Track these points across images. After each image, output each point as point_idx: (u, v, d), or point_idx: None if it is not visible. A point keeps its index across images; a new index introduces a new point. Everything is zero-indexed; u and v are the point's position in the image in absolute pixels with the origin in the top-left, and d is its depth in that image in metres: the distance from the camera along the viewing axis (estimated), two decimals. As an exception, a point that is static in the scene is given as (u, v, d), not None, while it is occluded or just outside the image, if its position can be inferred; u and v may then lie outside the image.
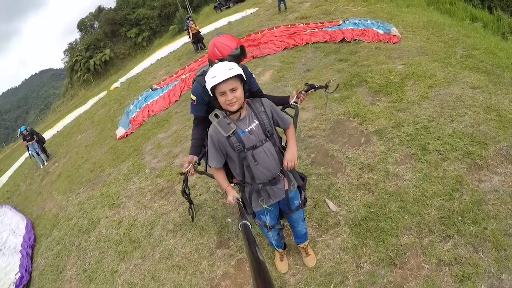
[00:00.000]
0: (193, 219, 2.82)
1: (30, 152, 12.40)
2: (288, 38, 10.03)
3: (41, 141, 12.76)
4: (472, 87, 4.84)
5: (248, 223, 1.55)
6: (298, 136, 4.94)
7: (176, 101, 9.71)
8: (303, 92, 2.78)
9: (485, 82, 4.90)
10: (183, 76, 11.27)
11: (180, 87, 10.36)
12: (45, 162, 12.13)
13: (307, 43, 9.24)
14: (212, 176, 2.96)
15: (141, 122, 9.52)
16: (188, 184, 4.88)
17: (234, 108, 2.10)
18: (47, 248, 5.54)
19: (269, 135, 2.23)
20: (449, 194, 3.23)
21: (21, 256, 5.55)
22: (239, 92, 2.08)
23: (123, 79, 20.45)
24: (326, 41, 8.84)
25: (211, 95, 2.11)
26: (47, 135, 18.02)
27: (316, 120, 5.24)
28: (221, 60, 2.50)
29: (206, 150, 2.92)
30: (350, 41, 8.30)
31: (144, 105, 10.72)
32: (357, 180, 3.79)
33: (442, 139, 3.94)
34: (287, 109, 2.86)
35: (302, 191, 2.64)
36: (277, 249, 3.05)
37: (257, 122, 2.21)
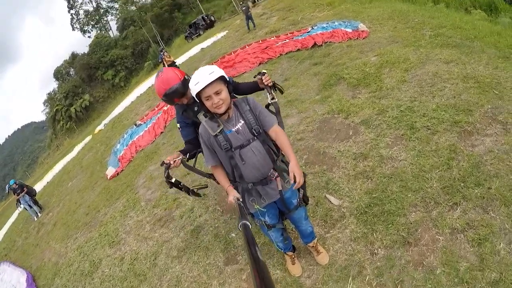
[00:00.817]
0: (198, 194, 2.74)
1: (22, 205, 12.23)
2: (262, 53, 10.20)
3: (31, 193, 12.56)
4: (446, 62, 4.93)
5: (248, 223, 1.53)
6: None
7: (161, 132, 9.69)
8: (258, 77, 2.73)
9: (457, 55, 5.00)
10: (165, 108, 11.28)
11: (164, 118, 10.37)
12: (38, 214, 11.93)
13: (280, 54, 9.39)
14: (201, 173, 2.86)
15: (130, 158, 9.44)
16: (186, 208, 4.82)
17: (222, 110, 2.09)
18: None
19: (256, 134, 2.19)
20: (446, 164, 3.22)
21: (24, 310, 5.32)
22: (224, 94, 2.08)
23: (106, 120, 20.49)
24: (298, 49, 8.98)
25: (197, 101, 2.12)
26: (37, 187, 17.78)
27: (302, 123, 5.24)
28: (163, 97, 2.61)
29: (195, 151, 2.86)
30: (321, 45, 8.46)
31: (130, 141, 10.70)
32: (354, 170, 3.75)
33: (428, 115, 3.96)
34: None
35: (301, 189, 2.55)
36: (285, 252, 2.95)
37: (242, 121, 2.19)
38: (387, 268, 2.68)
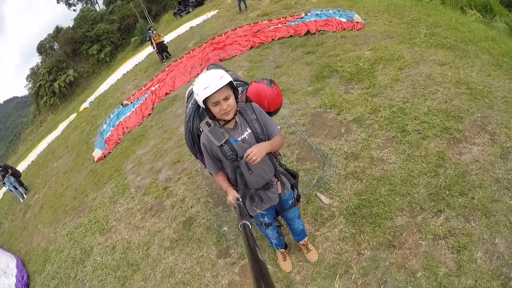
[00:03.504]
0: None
1: (7, 187, 12.00)
2: (253, 37, 10.05)
3: (16, 174, 12.33)
4: (440, 64, 5.02)
5: (248, 223, 1.55)
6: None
7: (149, 114, 9.54)
8: None
9: (452, 58, 5.09)
10: (153, 88, 11.03)
11: (151, 99, 10.16)
12: (24, 196, 11.70)
13: (272, 39, 9.29)
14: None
15: (117, 140, 9.26)
16: (178, 198, 4.86)
17: (230, 116, 2.05)
18: (42, 285, 5.32)
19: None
20: (434, 171, 3.36)
21: (16, 297, 5.32)
22: (232, 100, 2.02)
23: (91, 98, 19.77)
24: (291, 36, 8.91)
25: (203, 106, 2.04)
26: (21, 166, 17.32)
27: (294, 116, 5.28)
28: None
29: None
30: (315, 33, 8.41)
31: (117, 122, 10.43)
32: (345, 170, 3.86)
33: (419, 119, 4.07)
34: None
35: (295, 189, 2.66)
36: (278, 249, 3.07)
37: (249, 130, 2.16)
38: (372, 269, 2.84)
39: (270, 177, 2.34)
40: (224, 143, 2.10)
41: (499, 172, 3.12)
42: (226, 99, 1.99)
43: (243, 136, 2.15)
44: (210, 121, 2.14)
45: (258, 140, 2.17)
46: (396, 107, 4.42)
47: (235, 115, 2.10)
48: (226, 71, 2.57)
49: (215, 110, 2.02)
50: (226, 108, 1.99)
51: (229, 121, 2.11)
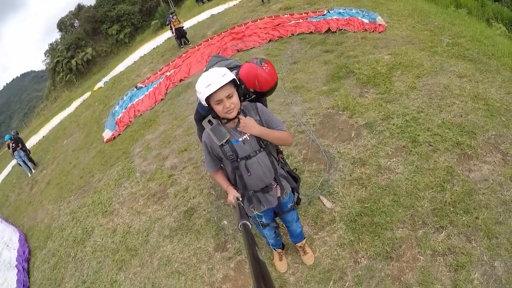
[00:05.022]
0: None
1: (17, 160, 12.28)
2: (273, 30, 9.96)
3: (26, 150, 12.60)
4: (459, 76, 4.90)
5: (248, 223, 1.54)
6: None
7: (162, 99, 9.57)
8: None
9: (472, 71, 4.96)
10: (168, 73, 11.06)
11: (166, 84, 10.19)
12: (32, 170, 11.94)
13: (292, 34, 9.19)
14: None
15: (128, 123, 9.34)
16: (181, 187, 4.89)
17: (233, 114, 2.03)
18: (43, 261, 5.45)
19: (263, 145, 2.19)
20: (440, 186, 3.29)
21: (17, 271, 5.41)
22: (235, 98, 2.01)
23: (106, 78, 19.96)
24: (311, 32, 8.81)
25: (206, 105, 2.02)
26: (32, 140, 17.76)
27: (305, 114, 5.23)
28: (259, 93, 2.46)
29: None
30: (335, 31, 8.29)
31: (129, 105, 10.50)
32: (350, 176, 3.82)
33: (432, 130, 3.98)
34: None
35: (296, 193, 2.64)
36: (275, 249, 3.08)
37: None
38: (367, 278, 2.83)
39: (270, 181, 2.32)
40: (225, 142, 2.09)
41: (507, 194, 3.05)
42: (229, 97, 1.97)
43: (244, 136, 2.13)
44: (212, 120, 2.12)
45: (260, 142, 2.17)
46: (410, 116, 4.33)
47: (238, 113, 2.08)
48: (227, 59, 2.56)
49: (218, 108, 2.00)
50: (229, 106, 1.98)
51: (231, 119, 2.10)
